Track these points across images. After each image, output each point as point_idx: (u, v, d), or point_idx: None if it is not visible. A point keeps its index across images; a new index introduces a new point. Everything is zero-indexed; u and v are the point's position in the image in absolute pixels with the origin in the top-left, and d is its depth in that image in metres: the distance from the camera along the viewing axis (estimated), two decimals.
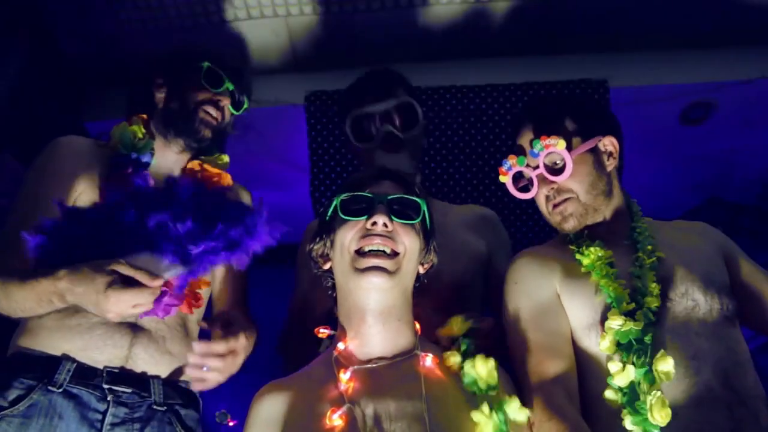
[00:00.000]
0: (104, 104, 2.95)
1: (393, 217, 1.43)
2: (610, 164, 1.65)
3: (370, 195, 1.46)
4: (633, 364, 1.35)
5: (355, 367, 1.41)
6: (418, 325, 1.52)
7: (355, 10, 2.73)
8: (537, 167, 1.61)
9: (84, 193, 1.66)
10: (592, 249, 1.54)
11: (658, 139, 3.10)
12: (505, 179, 1.68)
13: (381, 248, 1.42)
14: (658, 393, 1.30)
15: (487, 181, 2.90)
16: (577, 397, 1.43)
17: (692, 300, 1.48)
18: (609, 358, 1.42)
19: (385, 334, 1.44)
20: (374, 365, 1.42)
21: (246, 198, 1.94)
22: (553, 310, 1.54)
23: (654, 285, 1.47)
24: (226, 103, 1.85)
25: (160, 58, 1.94)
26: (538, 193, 1.63)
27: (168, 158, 1.85)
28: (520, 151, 1.66)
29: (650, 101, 2.87)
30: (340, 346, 1.45)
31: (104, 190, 1.65)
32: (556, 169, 1.60)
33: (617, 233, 1.62)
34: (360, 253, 1.43)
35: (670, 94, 2.89)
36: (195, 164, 1.86)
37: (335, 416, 1.30)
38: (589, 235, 1.60)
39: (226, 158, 1.92)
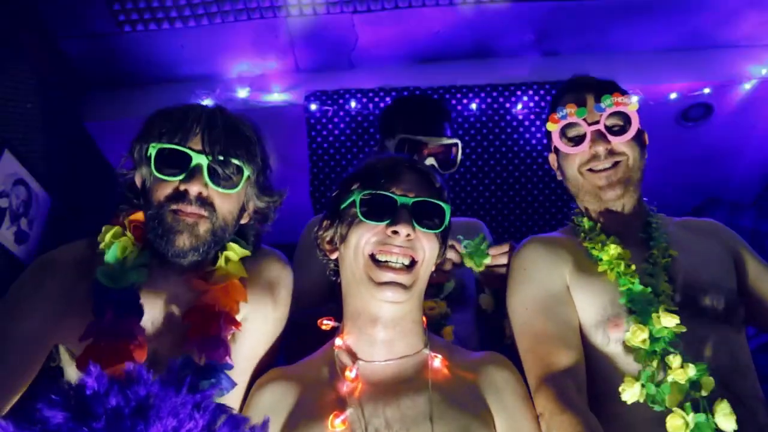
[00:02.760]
0: (104, 104, 2.96)
1: (415, 224, 1.32)
2: (644, 155, 1.63)
3: (394, 197, 1.33)
4: (682, 364, 1.32)
5: (361, 362, 1.35)
6: (425, 319, 1.47)
7: (355, 10, 2.73)
8: (595, 123, 1.55)
9: (69, 335, 1.28)
10: (611, 246, 1.49)
11: (658, 139, 3.09)
12: (555, 127, 1.59)
13: (399, 260, 1.33)
14: (725, 401, 1.27)
15: (487, 180, 2.90)
16: (585, 390, 1.39)
17: (700, 305, 1.46)
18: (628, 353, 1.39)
19: (395, 336, 1.37)
20: (381, 363, 1.36)
21: (266, 276, 1.50)
22: (563, 300, 1.49)
23: (666, 285, 1.45)
24: (196, 189, 1.31)
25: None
26: (584, 152, 1.55)
27: (170, 280, 1.40)
28: (580, 104, 1.57)
29: (650, 101, 2.87)
30: (342, 341, 1.39)
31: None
32: (614, 131, 1.55)
33: (631, 227, 1.59)
34: (375, 260, 1.33)
35: (669, 95, 2.90)
36: (199, 285, 1.39)
37: (338, 421, 1.25)
38: (602, 229, 1.57)
39: (233, 255, 1.44)
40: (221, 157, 1.33)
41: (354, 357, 1.38)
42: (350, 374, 1.33)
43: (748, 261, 1.61)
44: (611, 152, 1.54)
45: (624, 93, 1.57)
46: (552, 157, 1.72)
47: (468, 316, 1.81)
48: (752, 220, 3.13)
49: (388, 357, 1.37)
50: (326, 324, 1.47)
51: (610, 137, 1.54)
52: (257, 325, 1.46)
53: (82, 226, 1.59)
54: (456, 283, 1.76)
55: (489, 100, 2.86)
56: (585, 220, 1.60)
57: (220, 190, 1.34)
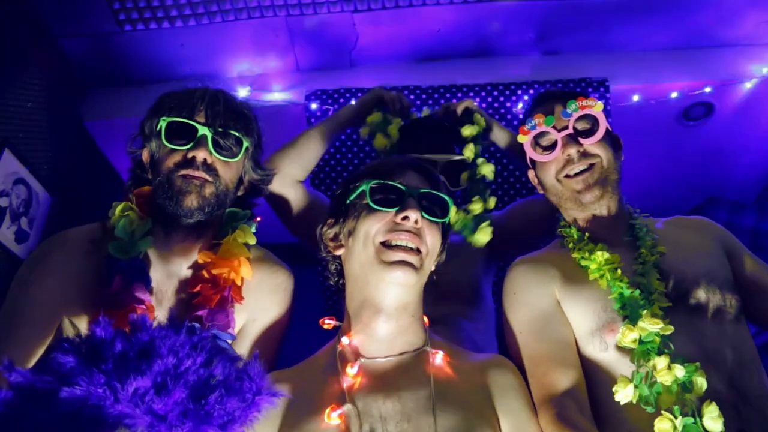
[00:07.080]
0: (104, 104, 2.95)
1: (422, 213, 1.38)
2: (619, 157, 1.66)
3: (402, 187, 1.39)
4: (670, 366, 1.31)
5: (363, 360, 1.36)
6: (426, 319, 1.47)
7: (356, 9, 2.73)
8: (564, 129, 1.59)
9: (77, 316, 1.41)
10: (598, 253, 1.50)
11: (658, 139, 3.10)
12: (525, 139, 1.63)
13: (409, 244, 1.36)
14: (714, 403, 1.25)
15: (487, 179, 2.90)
16: (588, 406, 1.38)
17: (695, 298, 1.45)
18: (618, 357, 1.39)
19: (397, 330, 1.38)
20: (382, 360, 1.37)
21: (273, 280, 1.63)
22: (556, 318, 1.49)
23: (658, 283, 1.45)
24: (202, 156, 1.47)
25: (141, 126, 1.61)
26: (558, 157, 1.59)
27: (174, 251, 1.54)
28: (548, 113, 1.63)
29: (650, 101, 2.87)
30: (345, 340, 1.39)
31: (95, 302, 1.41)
32: (583, 134, 1.59)
33: (617, 232, 1.60)
34: (386, 245, 1.36)
35: (670, 94, 2.90)
36: (206, 256, 1.53)
37: (334, 414, 1.25)
38: (590, 238, 1.57)
39: (241, 237, 1.58)
40: (221, 129, 1.51)
41: (356, 354, 1.38)
42: (351, 371, 1.33)
43: (741, 254, 1.61)
44: (584, 154, 1.58)
45: (588, 97, 1.62)
46: (531, 173, 1.75)
47: (486, 325, 1.81)
48: (753, 219, 3.13)
49: (389, 353, 1.38)
50: (327, 323, 1.47)
51: (580, 139, 1.58)
52: (262, 323, 1.57)
53: (82, 225, 1.62)
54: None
55: (489, 99, 2.86)
56: (573, 230, 1.61)
57: (222, 158, 1.51)
